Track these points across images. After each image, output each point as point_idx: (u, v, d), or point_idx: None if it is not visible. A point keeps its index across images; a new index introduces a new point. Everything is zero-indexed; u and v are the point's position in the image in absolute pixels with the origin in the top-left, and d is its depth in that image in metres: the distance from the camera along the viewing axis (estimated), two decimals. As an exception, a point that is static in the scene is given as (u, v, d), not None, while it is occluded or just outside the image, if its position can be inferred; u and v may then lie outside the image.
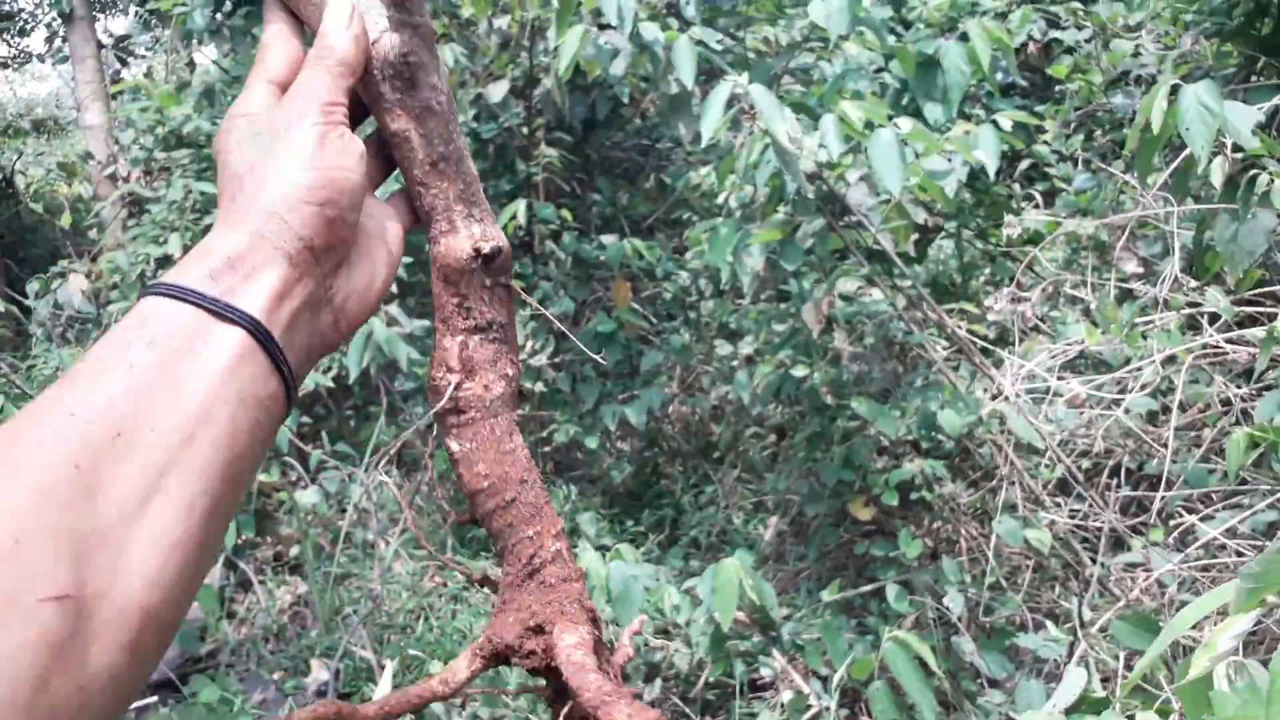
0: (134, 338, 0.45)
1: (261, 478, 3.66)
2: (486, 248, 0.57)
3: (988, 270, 3.08)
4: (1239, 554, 2.07)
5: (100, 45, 6.33)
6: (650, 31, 2.44)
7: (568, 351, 3.84)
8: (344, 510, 3.71)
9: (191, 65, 5.89)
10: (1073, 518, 2.51)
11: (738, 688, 2.47)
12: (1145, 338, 2.30)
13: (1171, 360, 2.18)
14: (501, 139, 4.09)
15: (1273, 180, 1.84)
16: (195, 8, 4.00)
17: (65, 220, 5.82)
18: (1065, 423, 2.37)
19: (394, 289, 3.58)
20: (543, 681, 0.58)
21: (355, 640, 3.06)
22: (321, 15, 0.56)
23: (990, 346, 2.66)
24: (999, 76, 3.16)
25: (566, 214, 4.00)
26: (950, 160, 2.38)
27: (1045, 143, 3.29)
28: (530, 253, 3.99)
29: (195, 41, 4.34)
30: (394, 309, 3.51)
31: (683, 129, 2.70)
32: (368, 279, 0.56)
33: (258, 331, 0.48)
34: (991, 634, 2.45)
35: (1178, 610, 2.06)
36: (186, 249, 4.54)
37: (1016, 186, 3.18)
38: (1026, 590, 2.50)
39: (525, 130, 4.03)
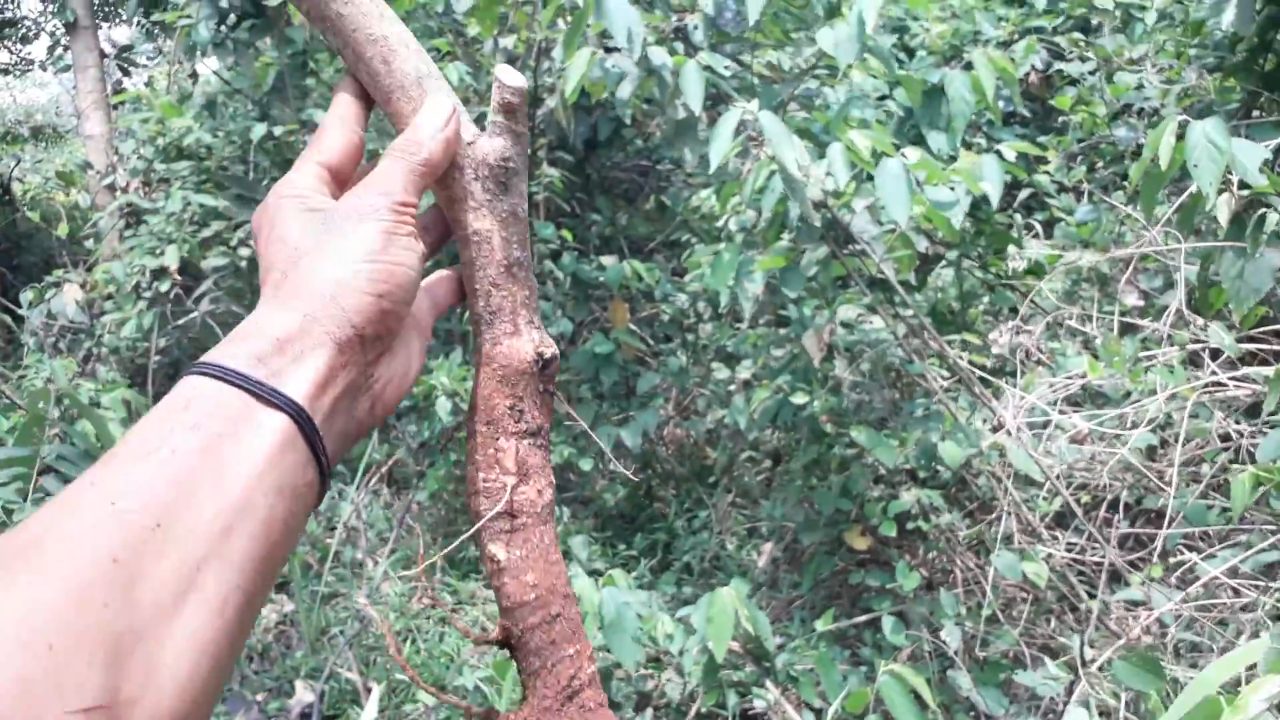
0: (178, 420, 0.44)
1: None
2: (548, 353, 0.57)
3: (986, 299, 3.07)
4: (1235, 592, 2.05)
5: (103, 55, 6.33)
6: (659, 56, 2.44)
7: (564, 372, 3.82)
8: (333, 528, 3.67)
9: (194, 77, 5.89)
10: (1069, 551, 2.49)
11: (730, 718, 2.43)
12: (1147, 372, 2.29)
13: (1173, 396, 2.17)
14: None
15: (1280, 218, 1.83)
16: (200, 20, 4.00)
17: (62, 230, 5.80)
18: (1065, 457, 2.36)
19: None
20: None
21: (341, 662, 3.01)
22: (415, 108, 0.56)
23: (989, 377, 2.65)
24: (1001, 105, 3.17)
25: (566, 234, 3.99)
26: (954, 190, 2.37)
27: (1046, 173, 3.29)
28: (528, 272, 3.97)
29: (199, 54, 4.35)
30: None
31: (688, 154, 2.70)
32: (404, 366, 0.55)
33: (300, 418, 0.47)
34: (986, 667, 2.42)
35: (1177, 649, 2.03)
36: (184, 262, 4.54)
37: (1018, 216, 3.18)
38: (1023, 624, 2.48)
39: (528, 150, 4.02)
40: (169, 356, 4.91)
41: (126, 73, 7.24)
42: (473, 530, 0.55)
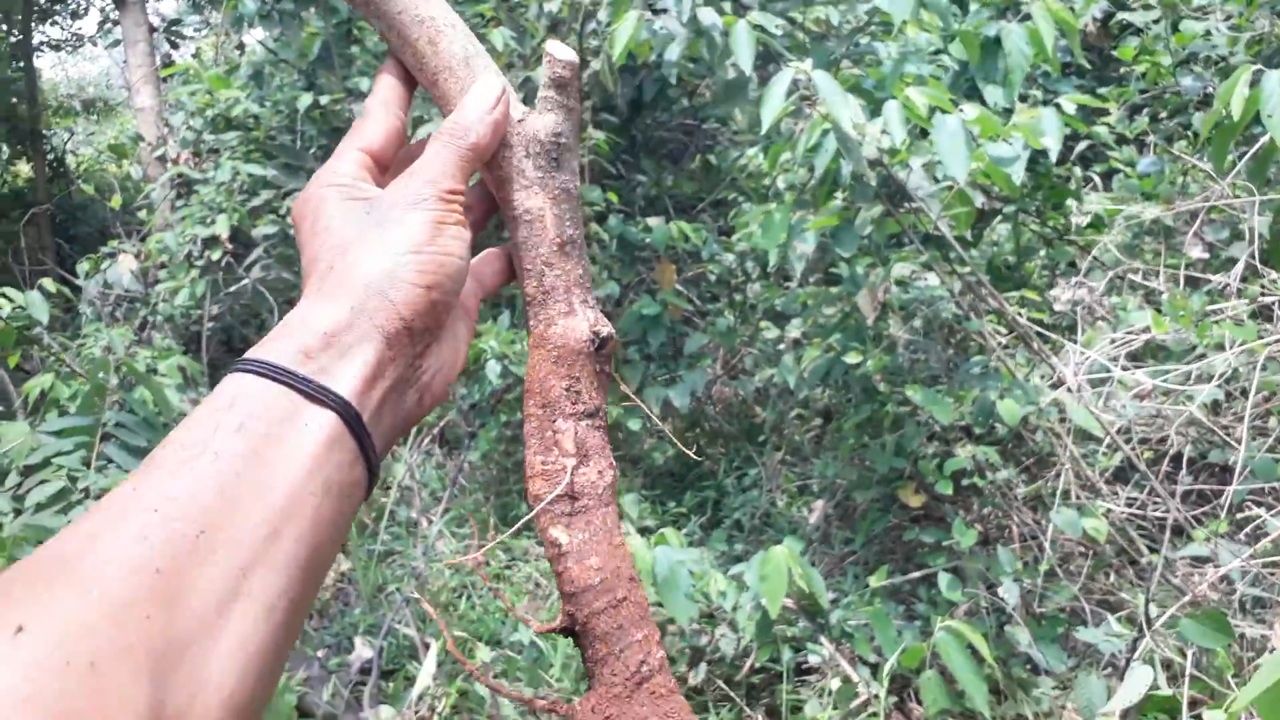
0: (221, 421, 0.43)
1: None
2: (604, 332, 0.56)
3: (1043, 253, 3.02)
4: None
5: (151, 28, 6.40)
6: (708, 16, 2.40)
7: (612, 334, 3.83)
8: (387, 488, 3.74)
9: (241, 48, 5.94)
10: (1129, 506, 2.46)
11: (784, 673, 2.45)
12: (1214, 326, 2.24)
13: (1243, 350, 2.12)
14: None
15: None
16: (247, -10, 4.02)
17: (115, 201, 5.91)
18: (1128, 413, 2.32)
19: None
20: None
21: (399, 618, 3.08)
22: (462, 89, 0.55)
23: (1047, 333, 2.61)
24: (1059, 57, 3.09)
25: (612, 196, 3.99)
26: (1012, 145, 2.33)
27: (1106, 124, 3.21)
28: (575, 235, 3.98)
29: (246, 25, 4.38)
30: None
31: (739, 114, 2.67)
32: (452, 354, 0.54)
33: (348, 415, 0.46)
34: (1044, 622, 2.41)
35: (1243, 606, 2.01)
36: (234, 230, 4.61)
37: (1077, 170, 3.10)
38: (1082, 580, 2.46)
39: (572, 112, 4.00)
40: (221, 323, 5.02)
41: (175, 45, 7.32)
42: (532, 513, 0.54)
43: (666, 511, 3.54)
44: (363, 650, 3.12)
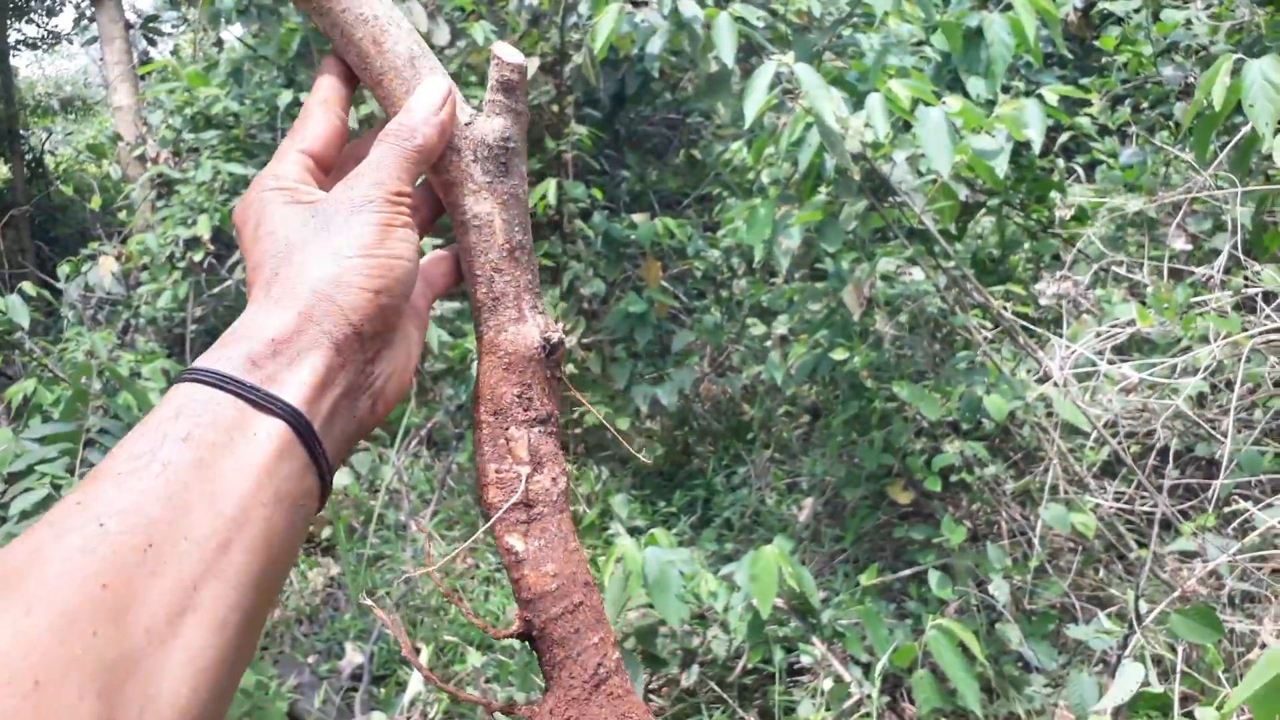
0: (168, 431, 0.42)
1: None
2: (555, 338, 0.56)
3: (1027, 246, 3.01)
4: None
5: (128, 25, 6.32)
6: (689, 8, 2.38)
7: (598, 332, 3.82)
8: (376, 491, 3.72)
9: (219, 44, 5.87)
10: (1117, 501, 2.46)
11: (777, 673, 2.45)
12: (1199, 318, 2.24)
13: (1227, 342, 2.12)
14: (530, 116, 4.05)
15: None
16: (223, -13, 3.97)
17: (95, 202, 5.84)
18: (1114, 406, 2.32)
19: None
20: None
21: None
22: (407, 89, 0.53)
23: (1033, 327, 2.61)
24: (1040, 46, 3.07)
25: (596, 192, 3.96)
26: (995, 137, 2.32)
27: (1089, 115, 3.20)
28: (560, 232, 3.96)
29: (224, 21, 4.32)
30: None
31: (721, 108, 2.65)
32: (404, 358, 0.53)
33: (298, 424, 0.45)
34: (1035, 619, 2.41)
35: (1232, 600, 2.01)
36: (215, 230, 4.57)
37: (1061, 162, 3.09)
38: (1071, 575, 2.46)
39: (555, 108, 3.98)
40: (205, 325, 4.97)
41: (152, 42, 7.24)
42: (490, 524, 0.54)
43: (656, 511, 3.53)
44: (353, 656, 3.10)
